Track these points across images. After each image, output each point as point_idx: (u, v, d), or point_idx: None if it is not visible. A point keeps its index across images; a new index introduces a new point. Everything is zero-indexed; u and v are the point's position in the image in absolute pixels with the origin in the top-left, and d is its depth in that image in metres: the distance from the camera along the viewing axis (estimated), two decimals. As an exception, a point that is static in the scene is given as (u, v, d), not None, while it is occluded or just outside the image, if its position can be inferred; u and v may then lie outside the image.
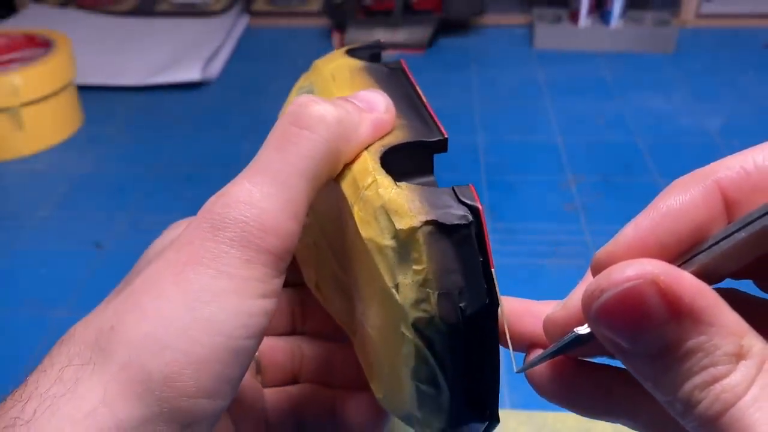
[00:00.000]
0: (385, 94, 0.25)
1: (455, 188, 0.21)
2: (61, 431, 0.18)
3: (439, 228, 0.20)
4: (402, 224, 0.20)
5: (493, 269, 0.21)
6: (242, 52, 0.87)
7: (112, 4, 0.98)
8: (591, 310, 0.17)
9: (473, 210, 0.21)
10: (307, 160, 0.22)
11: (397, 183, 0.22)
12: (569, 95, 0.72)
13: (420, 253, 0.20)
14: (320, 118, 0.22)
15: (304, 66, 0.31)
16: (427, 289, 0.20)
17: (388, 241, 0.21)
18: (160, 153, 0.65)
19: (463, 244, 0.20)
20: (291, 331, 0.32)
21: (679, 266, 0.18)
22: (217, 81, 0.79)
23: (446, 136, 0.24)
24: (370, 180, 0.22)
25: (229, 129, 0.68)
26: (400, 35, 0.83)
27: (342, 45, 0.84)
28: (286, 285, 0.32)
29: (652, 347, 0.17)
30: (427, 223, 0.20)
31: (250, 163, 0.22)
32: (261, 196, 0.21)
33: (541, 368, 0.21)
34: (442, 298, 0.20)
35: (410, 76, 0.27)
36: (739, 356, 0.16)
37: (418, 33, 0.83)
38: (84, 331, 0.20)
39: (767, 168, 0.18)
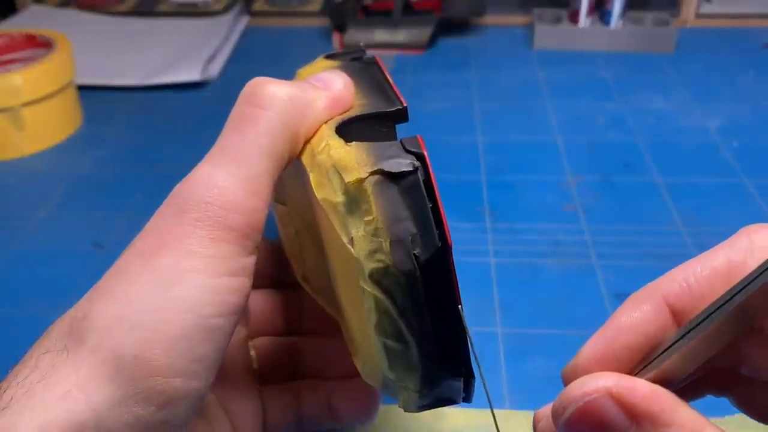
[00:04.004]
0: (344, 74, 0.25)
1: (403, 140, 0.22)
2: (35, 414, 0.18)
3: (386, 176, 0.21)
4: (350, 177, 0.21)
5: (443, 214, 0.21)
6: (242, 52, 0.87)
7: (112, 4, 0.98)
8: (559, 425, 0.19)
9: (420, 157, 0.21)
10: (264, 137, 0.22)
11: (348, 143, 0.22)
12: (569, 95, 0.72)
13: (369, 203, 0.21)
14: (273, 96, 0.23)
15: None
16: (379, 239, 0.20)
17: (339, 198, 0.21)
18: (160, 153, 0.65)
19: (411, 191, 0.21)
20: (288, 332, 0.32)
21: (636, 374, 0.20)
22: (217, 81, 0.79)
23: (405, 104, 0.24)
24: (323, 145, 0.23)
25: (229, 129, 0.68)
26: (400, 35, 0.83)
27: (342, 45, 0.84)
28: (280, 286, 0.32)
29: None
30: (373, 173, 0.21)
31: (212, 147, 0.23)
32: (222, 176, 0.22)
33: None
34: (394, 246, 0.20)
35: (383, 67, 0.28)
36: None
37: (418, 33, 0.83)
38: (61, 323, 0.21)
39: (705, 278, 0.20)
